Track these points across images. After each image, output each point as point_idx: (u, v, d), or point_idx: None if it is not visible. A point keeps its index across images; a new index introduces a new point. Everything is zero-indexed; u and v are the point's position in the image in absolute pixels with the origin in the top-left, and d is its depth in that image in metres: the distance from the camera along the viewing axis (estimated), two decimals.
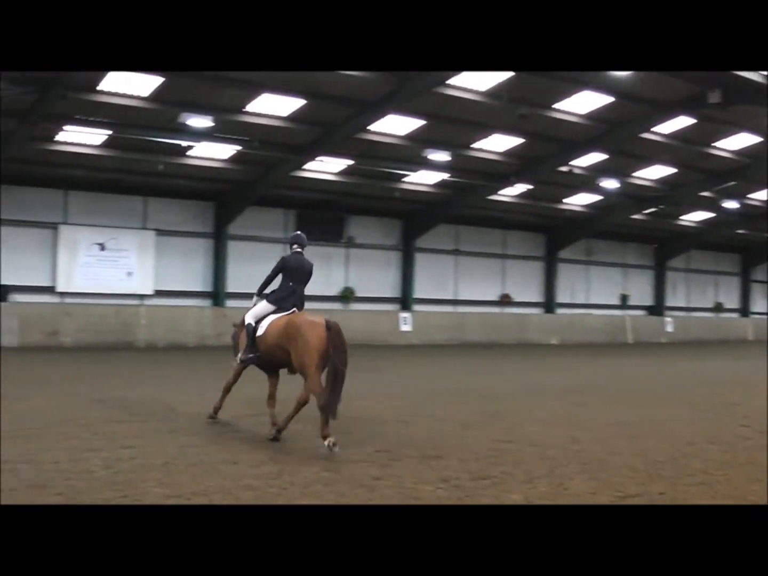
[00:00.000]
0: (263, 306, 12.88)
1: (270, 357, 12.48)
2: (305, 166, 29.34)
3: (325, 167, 30.18)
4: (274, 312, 12.62)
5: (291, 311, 12.51)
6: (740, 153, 31.74)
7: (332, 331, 11.50)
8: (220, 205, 32.07)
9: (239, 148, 27.05)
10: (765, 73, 21.97)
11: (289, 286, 12.85)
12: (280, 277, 12.95)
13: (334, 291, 34.90)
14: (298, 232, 13.85)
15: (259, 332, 12.56)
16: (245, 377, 13.21)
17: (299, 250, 13.28)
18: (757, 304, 51.85)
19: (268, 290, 13.03)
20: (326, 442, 10.97)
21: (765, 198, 39.00)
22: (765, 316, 51.49)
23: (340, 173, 30.78)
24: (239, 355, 13.18)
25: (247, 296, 27.80)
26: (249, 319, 12.94)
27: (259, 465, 9.98)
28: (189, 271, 31.61)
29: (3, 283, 28.63)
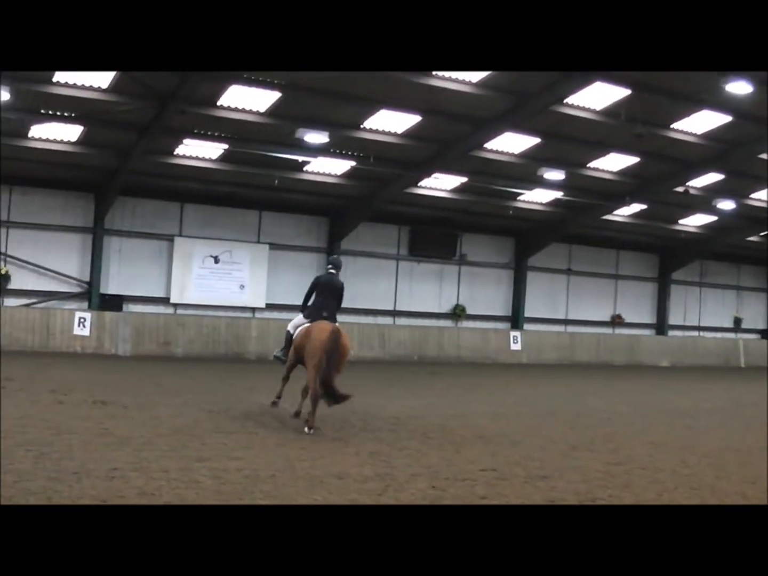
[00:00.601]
0: (299, 318, 15.50)
1: (297, 356, 14.79)
2: (420, 183, 29.41)
3: (440, 184, 30.19)
4: (309, 321, 14.89)
5: (321, 321, 14.61)
6: None
7: (331, 335, 13.86)
8: (333, 220, 32.28)
9: (354, 163, 27.22)
10: None
11: (320, 300, 15.29)
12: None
13: (445, 308, 34.91)
14: (335, 256, 17.35)
15: (295, 336, 15.14)
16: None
17: (333, 271, 15.82)
18: None
19: None
20: (306, 428, 13.38)
21: None
22: None
23: (455, 190, 30.75)
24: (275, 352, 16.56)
25: (358, 311, 27.89)
26: (289, 327, 15.75)
27: (365, 480, 9.99)
28: (301, 285, 31.54)
29: (119, 293, 29.20)
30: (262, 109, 23.10)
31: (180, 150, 26.20)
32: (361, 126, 24.66)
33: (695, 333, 42.24)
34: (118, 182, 27.09)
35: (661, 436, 15.37)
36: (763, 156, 27.78)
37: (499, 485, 10.17)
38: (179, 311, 29.97)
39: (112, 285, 29.21)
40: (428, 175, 28.48)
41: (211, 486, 9.20)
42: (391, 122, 24.56)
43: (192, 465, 10.21)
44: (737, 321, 43.89)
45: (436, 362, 30.61)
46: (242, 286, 30.89)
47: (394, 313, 33.54)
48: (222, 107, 22.89)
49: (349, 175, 28.67)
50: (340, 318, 15.60)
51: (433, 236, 34.16)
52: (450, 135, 25.54)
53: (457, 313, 34.94)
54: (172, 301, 29.93)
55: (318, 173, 28.50)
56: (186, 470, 9.89)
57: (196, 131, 24.68)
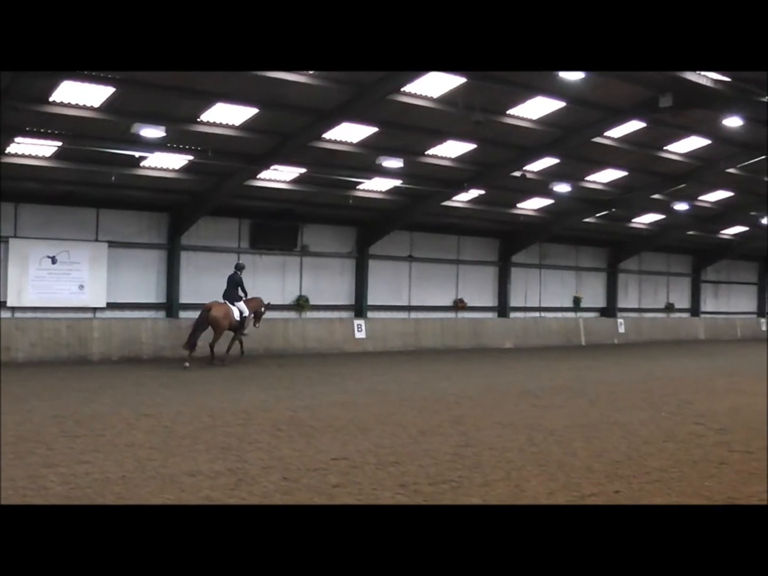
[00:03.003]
0: None
1: None
2: (260, 176, 29.18)
3: (280, 176, 30.04)
4: None
5: (224, 302, 26.45)
6: (691, 156, 31.99)
7: (204, 311, 25.81)
8: (173, 215, 31.75)
9: (192, 158, 26.88)
10: (714, 77, 22.20)
11: (225, 290, 26.82)
12: None
13: (289, 300, 34.76)
14: (240, 262, 28.56)
15: None
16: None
17: (236, 271, 27.27)
18: (708, 304, 52.38)
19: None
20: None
21: (715, 200, 39.46)
22: (715, 316, 52.11)
23: (295, 182, 30.62)
24: None
25: (201, 307, 27.56)
26: None
27: (217, 476, 9.96)
28: (142, 282, 31.28)
29: None
30: (96, 105, 22.64)
31: (12, 149, 25.49)
32: (198, 120, 24.37)
33: (537, 314, 43.04)
34: None
35: (508, 416, 15.67)
36: (597, 140, 28.50)
37: (352, 473, 10.25)
38: (18, 315, 29.17)
39: None
40: (268, 167, 28.30)
41: (61, 492, 9.05)
42: (228, 115, 24.34)
43: (39, 471, 10.02)
44: (577, 300, 44.87)
45: (283, 355, 30.57)
46: (81, 286, 30.19)
47: None
48: (55, 103, 22.32)
49: (187, 169, 28.29)
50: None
51: (275, 228, 33.95)
52: (288, 127, 25.45)
53: (301, 304, 34.84)
54: (9, 304, 29.05)
55: (156, 168, 28.01)
56: (34, 477, 9.70)
57: (28, 129, 24.04)
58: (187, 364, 24.56)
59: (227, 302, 26.46)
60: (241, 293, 26.88)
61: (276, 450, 11.73)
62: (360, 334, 34.29)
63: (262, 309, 28.35)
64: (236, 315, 26.46)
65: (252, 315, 27.58)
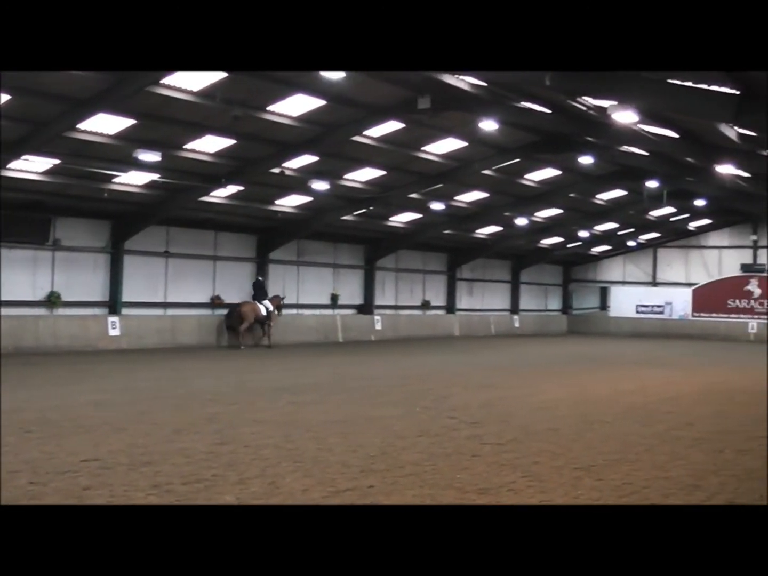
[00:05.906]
0: None
1: None
2: (9, 166, 28.19)
3: (31, 166, 29.09)
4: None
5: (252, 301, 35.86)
6: (447, 156, 32.79)
7: (235, 308, 35.83)
8: None
9: None
10: (471, 80, 22.76)
11: (253, 293, 36.97)
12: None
13: (40, 296, 33.69)
14: (262, 274, 38.43)
15: None
16: None
17: (260, 278, 38.01)
18: (463, 302, 53.77)
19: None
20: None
21: (470, 200, 40.57)
22: (470, 313, 53.54)
23: (47, 173, 29.72)
24: None
25: None
26: None
27: None
28: None
29: None
30: None
31: None
32: None
33: (294, 311, 43.12)
34: None
35: (264, 413, 15.71)
36: (356, 138, 28.84)
37: (103, 474, 10.04)
38: None
39: None
40: (18, 156, 27.36)
41: None
42: None
43: None
44: (334, 297, 45.28)
45: (34, 353, 29.62)
46: None
47: None
48: None
49: None
50: None
51: (25, 221, 32.78)
52: (42, 115, 24.66)
53: (53, 300, 33.83)
54: None
55: None
56: None
57: None
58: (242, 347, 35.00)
59: (256, 302, 36.26)
60: (264, 294, 37.04)
61: (24, 453, 11.33)
62: (114, 332, 33.60)
63: (280, 302, 38.13)
64: (263, 311, 36.01)
65: (274, 308, 37.06)
